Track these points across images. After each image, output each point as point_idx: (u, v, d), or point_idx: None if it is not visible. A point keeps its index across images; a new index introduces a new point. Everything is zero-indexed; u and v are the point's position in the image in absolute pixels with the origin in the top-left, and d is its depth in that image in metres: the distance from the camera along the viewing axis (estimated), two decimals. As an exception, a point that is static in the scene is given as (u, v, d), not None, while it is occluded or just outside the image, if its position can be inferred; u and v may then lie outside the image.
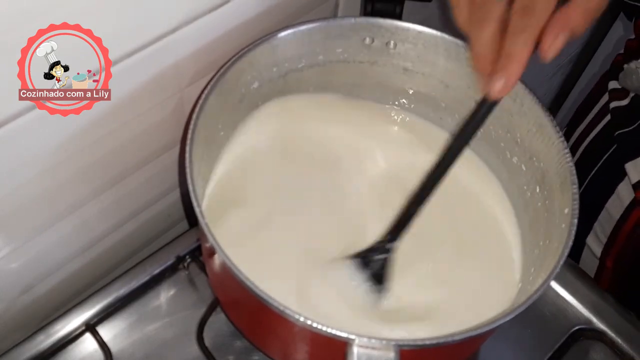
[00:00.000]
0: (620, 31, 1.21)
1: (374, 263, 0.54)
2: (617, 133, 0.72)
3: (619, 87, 0.74)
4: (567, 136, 0.83)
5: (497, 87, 0.45)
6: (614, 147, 0.74)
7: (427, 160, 0.62)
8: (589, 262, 0.77)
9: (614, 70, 0.77)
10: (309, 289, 0.53)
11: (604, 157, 0.75)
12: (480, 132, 0.61)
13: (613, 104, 0.74)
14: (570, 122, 0.86)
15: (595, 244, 0.75)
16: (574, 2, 0.44)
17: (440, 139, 0.64)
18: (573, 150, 0.80)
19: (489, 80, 0.46)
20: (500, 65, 0.45)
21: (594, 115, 0.79)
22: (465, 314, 0.53)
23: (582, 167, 0.77)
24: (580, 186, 0.74)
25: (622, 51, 0.78)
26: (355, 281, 0.53)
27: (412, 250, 0.57)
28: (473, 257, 0.58)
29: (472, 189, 0.62)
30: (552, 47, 0.44)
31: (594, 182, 0.76)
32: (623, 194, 0.71)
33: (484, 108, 0.48)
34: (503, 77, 0.45)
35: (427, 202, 0.52)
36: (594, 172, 0.76)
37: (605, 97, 0.77)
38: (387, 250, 0.54)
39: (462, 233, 0.59)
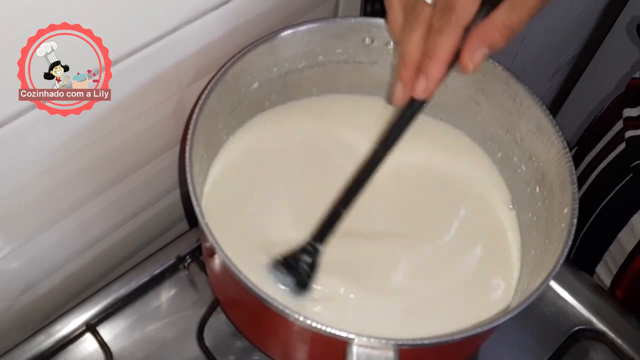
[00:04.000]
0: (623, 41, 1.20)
1: (302, 264, 0.52)
2: (634, 164, 0.69)
3: (635, 115, 0.71)
4: (578, 157, 0.80)
5: (419, 87, 0.45)
6: (629, 177, 0.71)
7: (426, 158, 0.63)
8: None
9: (630, 95, 0.73)
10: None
11: (618, 187, 0.72)
12: (479, 132, 0.62)
13: (629, 133, 0.71)
14: (581, 143, 0.82)
15: (605, 274, 0.73)
16: (493, 17, 0.43)
17: (440, 138, 0.65)
18: (584, 176, 0.77)
19: (414, 81, 0.46)
20: (422, 65, 0.45)
21: (608, 142, 0.76)
22: (460, 312, 0.53)
23: (594, 195, 0.74)
24: (591, 214, 0.74)
25: (638, 75, 0.74)
26: (283, 285, 0.52)
27: (408, 245, 0.57)
28: (470, 255, 0.58)
29: (476, 186, 0.62)
30: (470, 61, 0.44)
31: (607, 212, 0.73)
32: (637, 226, 0.69)
33: (409, 111, 0.48)
34: (424, 78, 0.45)
35: (353, 204, 0.51)
36: (606, 200, 0.73)
37: (620, 124, 0.74)
38: (313, 253, 0.52)
39: (460, 230, 0.59)
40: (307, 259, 0.52)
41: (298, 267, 0.52)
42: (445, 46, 0.44)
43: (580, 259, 0.75)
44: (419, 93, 0.46)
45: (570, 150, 0.81)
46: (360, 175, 0.50)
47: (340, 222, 0.51)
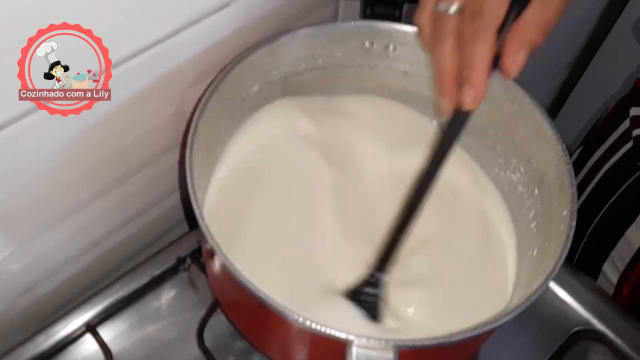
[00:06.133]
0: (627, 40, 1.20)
1: (366, 297, 0.52)
2: None
3: None
4: (583, 157, 0.80)
5: (468, 98, 0.45)
6: (636, 175, 0.71)
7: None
8: (605, 288, 0.74)
9: (637, 94, 0.74)
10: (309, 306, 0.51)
11: (625, 185, 0.72)
12: (478, 135, 0.62)
13: (636, 132, 0.71)
14: (586, 142, 0.82)
15: (611, 271, 0.73)
16: (528, 15, 0.42)
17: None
18: (591, 175, 0.77)
19: (459, 93, 0.45)
20: (465, 76, 0.44)
21: (615, 141, 0.76)
22: (459, 313, 0.53)
23: (601, 193, 0.75)
24: (598, 212, 0.74)
25: None
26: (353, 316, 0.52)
27: (405, 250, 0.57)
28: (466, 259, 0.58)
29: (467, 190, 0.63)
30: (514, 64, 0.43)
31: (614, 209, 0.73)
32: None
33: (457, 123, 0.47)
34: (471, 89, 0.44)
35: (410, 229, 0.51)
36: (613, 199, 0.73)
37: (626, 123, 0.74)
38: (377, 284, 0.52)
39: (456, 235, 0.59)
40: (371, 290, 0.52)
41: (362, 300, 0.51)
42: (482, 53, 0.43)
43: (587, 257, 0.75)
44: (468, 104, 0.45)
45: (574, 151, 0.82)
46: (415, 196, 0.50)
47: (400, 248, 0.51)
